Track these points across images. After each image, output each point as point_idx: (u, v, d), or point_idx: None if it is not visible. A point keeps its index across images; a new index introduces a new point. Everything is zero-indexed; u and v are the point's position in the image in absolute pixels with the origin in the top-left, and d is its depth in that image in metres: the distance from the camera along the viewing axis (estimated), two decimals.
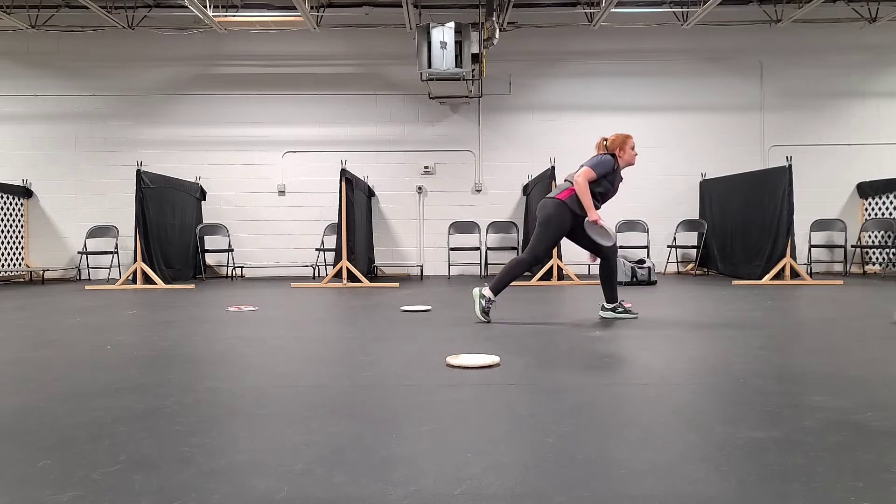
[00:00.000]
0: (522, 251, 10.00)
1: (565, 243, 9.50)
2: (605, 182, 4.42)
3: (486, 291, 4.41)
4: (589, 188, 4.36)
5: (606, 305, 4.60)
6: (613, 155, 4.49)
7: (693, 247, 9.78)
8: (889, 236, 9.27)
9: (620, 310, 4.56)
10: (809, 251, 9.72)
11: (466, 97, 9.75)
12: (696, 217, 9.98)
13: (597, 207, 4.42)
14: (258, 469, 1.66)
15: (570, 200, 4.40)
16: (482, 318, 4.41)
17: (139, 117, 10.07)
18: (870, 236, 9.80)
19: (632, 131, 9.99)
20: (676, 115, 10.12)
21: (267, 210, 10.10)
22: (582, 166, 4.48)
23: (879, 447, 1.78)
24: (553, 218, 4.40)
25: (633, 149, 4.47)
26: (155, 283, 7.83)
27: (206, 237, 9.80)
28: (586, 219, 4.38)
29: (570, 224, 4.43)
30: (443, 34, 8.21)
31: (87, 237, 9.81)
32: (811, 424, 2.00)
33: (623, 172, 4.55)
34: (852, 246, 9.75)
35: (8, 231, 9.49)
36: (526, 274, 9.71)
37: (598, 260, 4.61)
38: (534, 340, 3.66)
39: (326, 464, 1.70)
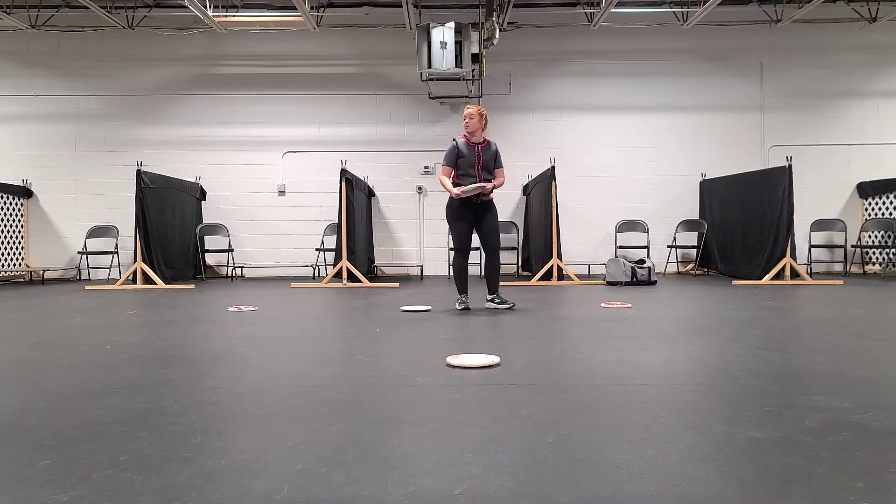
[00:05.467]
0: (522, 251, 10.11)
1: (566, 244, 9.53)
2: (461, 164, 5.13)
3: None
4: (448, 177, 5.17)
5: (489, 297, 5.37)
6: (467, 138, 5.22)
7: (693, 247, 9.78)
8: (889, 236, 9.26)
9: (498, 301, 5.32)
10: (809, 251, 9.72)
11: (466, 97, 9.75)
12: (696, 217, 9.97)
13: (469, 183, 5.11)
14: (258, 469, 1.66)
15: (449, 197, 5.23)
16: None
17: (139, 117, 10.07)
18: (870, 236, 9.80)
19: (632, 131, 10.06)
20: (676, 115, 10.12)
21: (267, 210, 10.10)
22: None
23: (879, 447, 1.78)
24: (447, 214, 5.28)
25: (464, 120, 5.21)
26: (155, 283, 7.83)
27: (206, 237, 9.80)
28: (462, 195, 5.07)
29: (460, 212, 5.16)
30: (443, 34, 8.21)
31: (87, 237, 9.80)
32: (811, 424, 2.00)
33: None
34: (852, 246, 9.74)
35: (8, 231, 9.49)
36: (525, 273, 9.73)
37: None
38: (534, 340, 3.66)
39: (326, 464, 1.70)
